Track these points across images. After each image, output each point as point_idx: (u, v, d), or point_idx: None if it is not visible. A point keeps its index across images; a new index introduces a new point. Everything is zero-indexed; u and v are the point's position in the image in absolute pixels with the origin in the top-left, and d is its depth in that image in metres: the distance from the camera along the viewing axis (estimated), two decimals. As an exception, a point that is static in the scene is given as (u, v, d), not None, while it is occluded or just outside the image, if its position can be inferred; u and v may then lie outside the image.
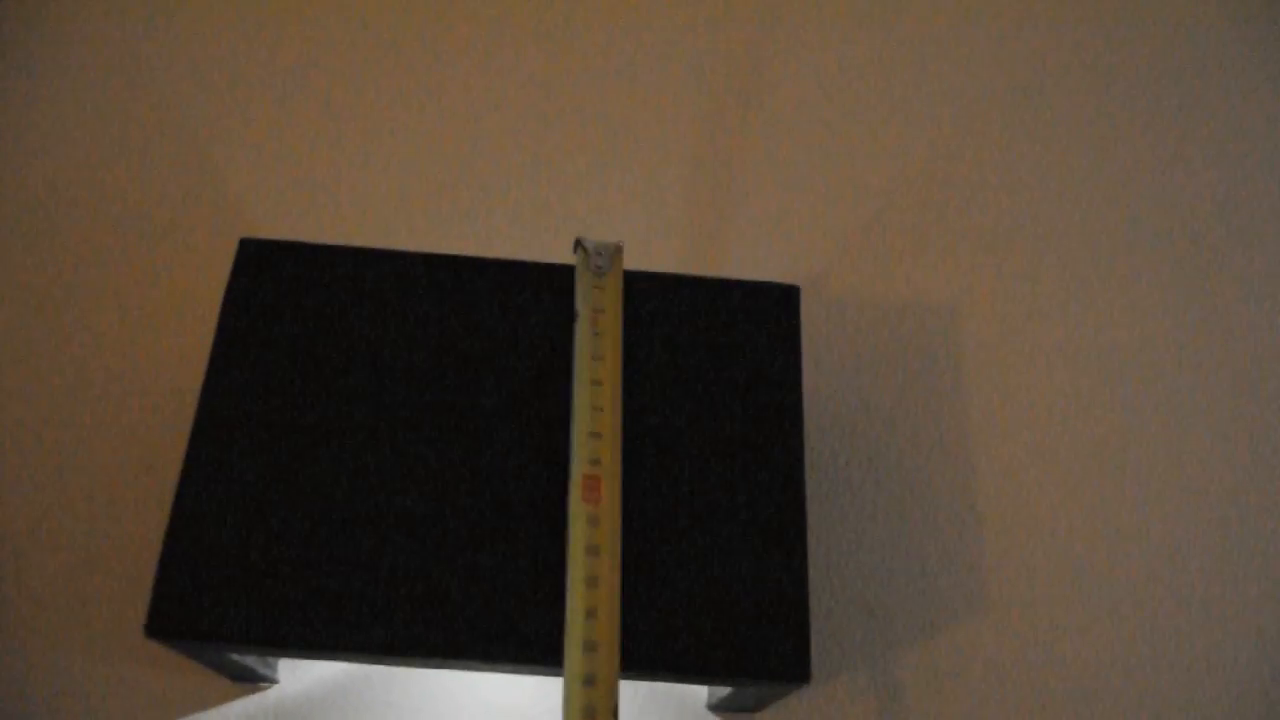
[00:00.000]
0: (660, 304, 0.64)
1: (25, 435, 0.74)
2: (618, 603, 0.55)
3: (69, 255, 0.81)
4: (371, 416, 0.59)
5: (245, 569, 0.54)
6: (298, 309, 0.62)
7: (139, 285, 0.81)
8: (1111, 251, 0.90)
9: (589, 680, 0.53)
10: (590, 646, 0.54)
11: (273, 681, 0.68)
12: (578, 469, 0.57)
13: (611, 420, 0.59)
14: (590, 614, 0.54)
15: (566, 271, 0.64)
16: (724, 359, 0.63)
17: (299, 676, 0.68)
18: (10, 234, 0.82)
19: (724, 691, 0.65)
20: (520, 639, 0.54)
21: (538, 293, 0.63)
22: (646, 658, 0.54)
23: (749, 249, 0.87)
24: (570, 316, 0.62)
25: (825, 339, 0.84)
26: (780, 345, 0.63)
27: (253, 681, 0.67)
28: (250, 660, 0.62)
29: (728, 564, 0.57)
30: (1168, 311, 0.88)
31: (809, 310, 0.84)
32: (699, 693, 0.70)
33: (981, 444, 0.80)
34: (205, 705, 0.67)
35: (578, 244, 0.64)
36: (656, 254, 0.86)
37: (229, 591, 0.54)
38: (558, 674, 0.55)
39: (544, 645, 0.54)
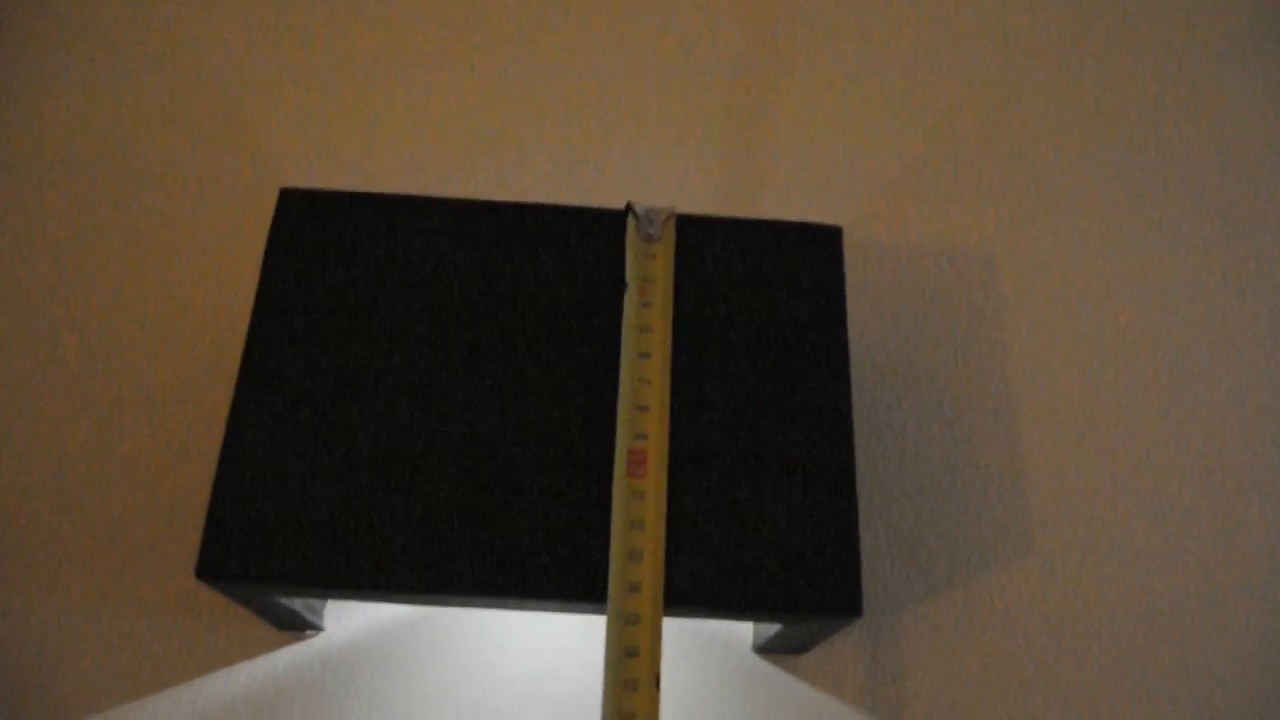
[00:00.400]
0: (699, 245, 0.63)
1: (74, 386, 0.75)
2: (662, 552, 0.54)
3: (111, 209, 0.82)
4: (416, 362, 0.58)
5: (294, 512, 0.54)
6: (339, 258, 0.61)
7: (179, 238, 0.81)
8: (1156, 198, 0.88)
9: (632, 619, 0.53)
10: (634, 587, 0.53)
11: (319, 629, 0.68)
12: (623, 443, 0.56)
13: (660, 394, 0.58)
14: (634, 556, 0.54)
15: (612, 217, 0.63)
16: (766, 300, 0.62)
17: (345, 624, 0.69)
18: (50, 189, 0.82)
19: (770, 632, 0.65)
20: (565, 576, 0.54)
21: (582, 238, 0.63)
22: (695, 594, 0.54)
23: (787, 193, 0.86)
24: (619, 284, 0.61)
25: (864, 284, 0.83)
26: (824, 287, 0.63)
27: (299, 629, 0.68)
28: (298, 605, 0.62)
29: (776, 501, 0.56)
30: (1213, 256, 0.86)
31: (848, 254, 0.83)
32: (744, 636, 0.70)
33: (1025, 390, 0.79)
34: (253, 654, 0.68)
35: (628, 209, 0.63)
36: (694, 196, 0.85)
37: (278, 534, 0.54)
38: (603, 612, 0.55)
39: (589, 582, 0.54)
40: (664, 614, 0.54)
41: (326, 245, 0.62)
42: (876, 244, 0.84)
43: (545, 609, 0.56)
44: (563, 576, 0.54)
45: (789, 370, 0.60)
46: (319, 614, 0.67)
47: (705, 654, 0.69)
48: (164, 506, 0.71)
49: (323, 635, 0.68)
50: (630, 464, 0.56)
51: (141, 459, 0.73)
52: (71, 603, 0.68)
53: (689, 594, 0.54)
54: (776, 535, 0.56)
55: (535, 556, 0.54)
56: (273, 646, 0.68)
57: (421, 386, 0.58)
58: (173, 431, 0.74)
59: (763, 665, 0.69)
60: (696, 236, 0.64)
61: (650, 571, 0.54)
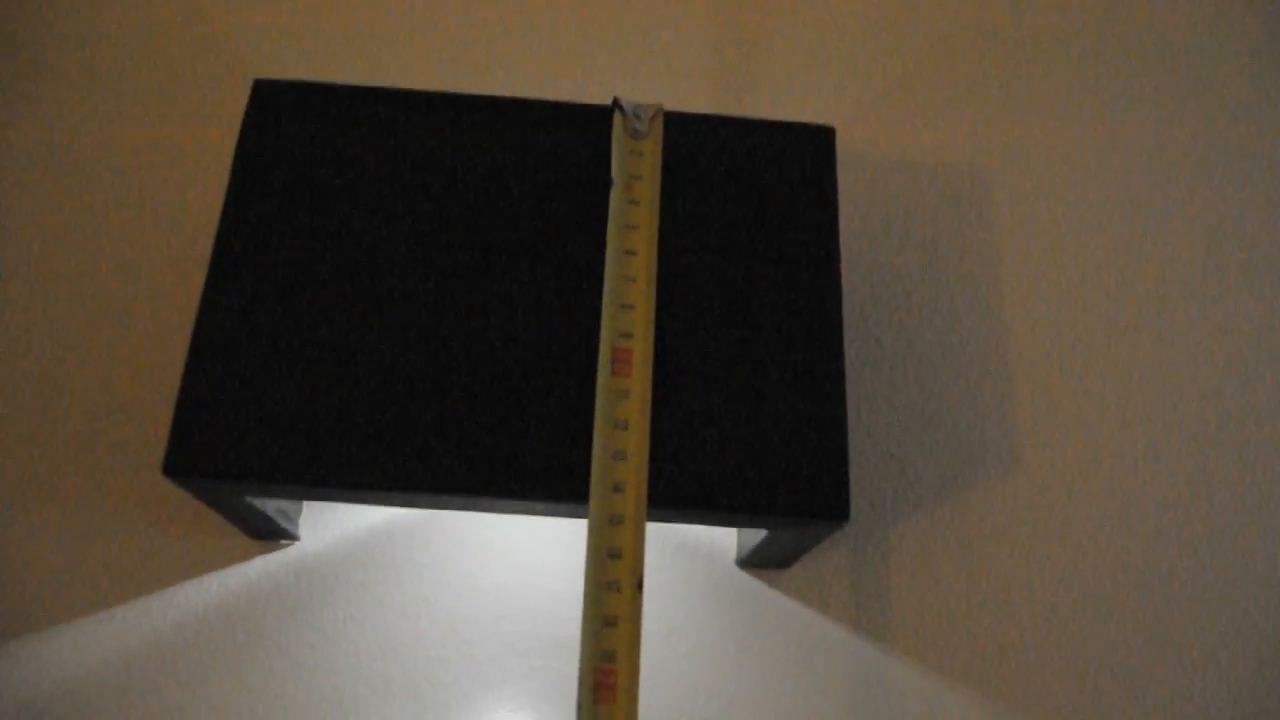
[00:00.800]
0: (687, 143, 0.61)
1: (38, 280, 0.72)
2: (646, 452, 0.53)
3: (78, 102, 0.79)
4: (394, 258, 0.56)
5: (265, 408, 0.53)
6: (315, 152, 0.59)
7: (150, 130, 0.78)
8: (1154, 112, 0.86)
9: (616, 519, 0.51)
10: (618, 487, 0.52)
11: (294, 539, 0.66)
12: (607, 342, 0.54)
13: (645, 292, 0.56)
14: (618, 456, 0.53)
15: (599, 112, 0.61)
16: (756, 201, 0.60)
17: (320, 534, 0.67)
18: (16, 91, 0.79)
19: (755, 543, 0.63)
20: (546, 475, 0.52)
21: (568, 134, 0.60)
22: (679, 495, 0.53)
23: (779, 95, 0.84)
24: (605, 182, 0.59)
25: (854, 191, 0.81)
26: (815, 188, 0.61)
27: (274, 539, 0.66)
28: (271, 510, 0.61)
29: (764, 403, 0.55)
30: (1212, 173, 0.84)
31: (840, 160, 0.81)
32: (728, 549, 0.69)
33: (1017, 304, 0.78)
34: (225, 564, 0.66)
35: (614, 104, 0.60)
36: (683, 95, 0.83)
37: (248, 430, 0.52)
38: (585, 514, 0.54)
39: (570, 482, 0.52)
40: (647, 516, 0.53)
41: (301, 139, 0.59)
42: (867, 151, 0.82)
43: (526, 511, 0.54)
44: (544, 476, 0.52)
45: (779, 272, 0.58)
46: (294, 522, 0.65)
47: (688, 565, 0.68)
48: (135, 408, 0.69)
49: (298, 545, 0.67)
50: (615, 363, 0.54)
51: (113, 358, 0.71)
52: (37, 509, 0.67)
53: (673, 495, 0.53)
54: (764, 437, 0.54)
55: (515, 455, 0.53)
56: (247, 556, 0.66)
57: (399, 283, 0.56)
58: (143, 332, 0.72)
59: (746, 579, 0.68)
60: (685, 135, 0.61)
61: (634, 471, 0.52)
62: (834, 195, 0.61)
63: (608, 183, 0.59)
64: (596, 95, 0.82)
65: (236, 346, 0.54)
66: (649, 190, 0.59)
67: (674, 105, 0.82)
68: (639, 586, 0.51)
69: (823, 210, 0.60)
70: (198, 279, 0.73)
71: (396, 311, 0.55)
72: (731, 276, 0.58)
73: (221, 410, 0.52)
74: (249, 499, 0.57)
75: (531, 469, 0.52)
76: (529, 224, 0.58)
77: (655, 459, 0.53)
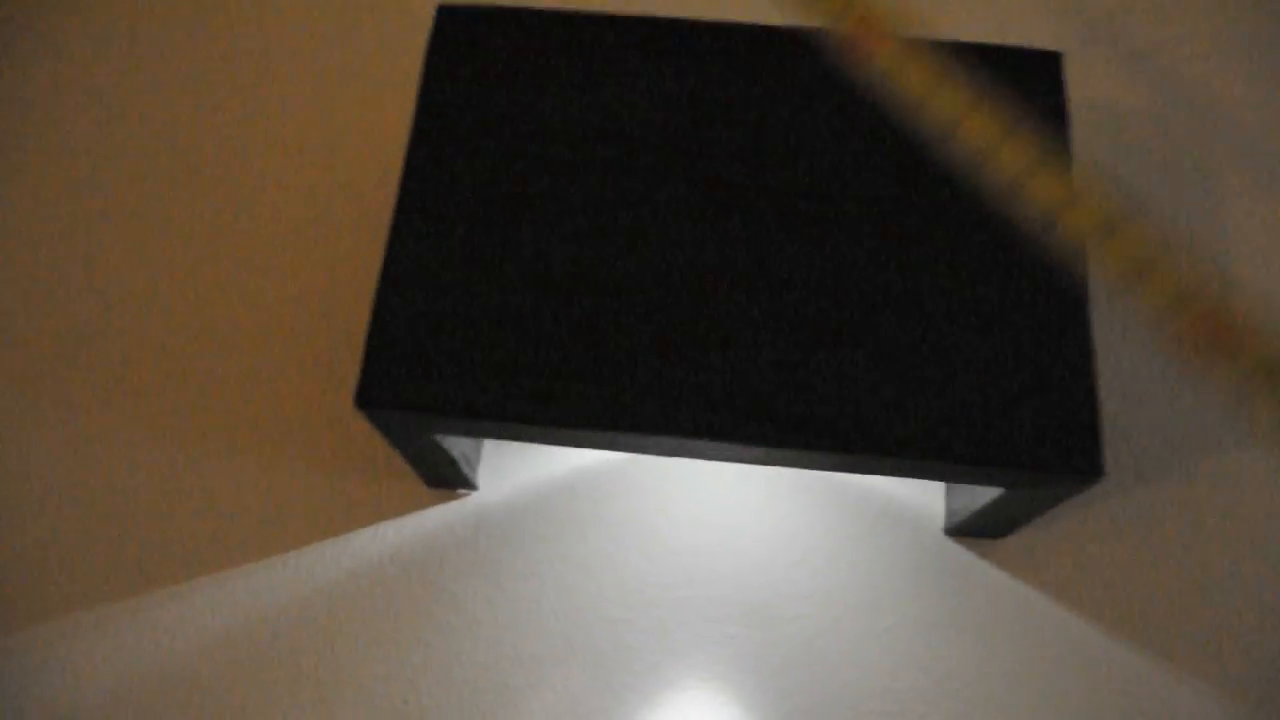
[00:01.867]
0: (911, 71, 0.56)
1: (226, 215, 0.70)
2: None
3: (259, 35, 0.77)
4: (594, 187, 0.52)
5: (458, 339, 0.49)
6: (503, 79, 0.55)
7: (333, 60, 0.76)
8: None
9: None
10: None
11: (472, 488, 0.63)
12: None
13: None
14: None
15: (790, 35, 0.56)
16: (986, 131, 0.54)
17: (499, 485, 0.64)
18: (205, 18, 0.78)
19: (967, 510, 0.58)
20: (775, 416, 0.47)
21: (765, 59, 0.55)
22: (912, 442, 0.47)
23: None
24: (823, 115, 0.54)
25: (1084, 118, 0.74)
26: (1044, 116, 0.54)
27: (451, 487, 0.63)
28: (455, 452, 0.57)
29: (1006, 348, 0.49)
30: None
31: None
32: (934, 517, 0.63)
33: (1266, 258, 0.70)
34: (401, 511, 0.63)
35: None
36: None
37: (441, 362, 0.49)
38: (810, 465, 0.49)
39: (801, 426, 0.47)
40: (878, 466, 0.48)
41: (487, 66, 0.56)
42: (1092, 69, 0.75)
43: (745, 460, 0.50)
44: (773, 416, 0.47)
45: (1012, 205, 0.52)
46: (474, 468, 0.62)
47: (892, 534, 0.62)
48: (319, 349, 0.67)
49: (475, 495, 0.63)
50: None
51: (298, 297, 0.68)
52: (214, 454, 0.65)
53: (907, 441, 0.47)
54: (1006, 384, 0.48)
55: (737, 395, 0.48)
56: (422, 505, 0.63)
57: (601, 212, 0.52)
58: (331, 269, 0.69)
59: (955, 548, 0.62)
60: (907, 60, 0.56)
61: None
62: (1065, 126, 0.54)
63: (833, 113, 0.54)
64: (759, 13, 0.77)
65: (428, 275, 0.50)
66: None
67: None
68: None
69: (1054, 140, 0.54)
70: (386, 206, 0.71)
71: (597, 243, 0.51)
72: (964, 210, 0.52)
73: (415, 340, 0.49)
74: (437, 436, 0.54)
75: (756, 410, 0.48)
76: (733, 151, 0.53)
77: (886, 404, 0.48)
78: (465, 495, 0.63)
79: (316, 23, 0.78)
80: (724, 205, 0.52)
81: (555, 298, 0.50)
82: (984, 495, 0.56)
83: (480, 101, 0.54)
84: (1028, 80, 0.55)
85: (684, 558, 0.61)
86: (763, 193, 0.52)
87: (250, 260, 0.70)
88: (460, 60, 0.56)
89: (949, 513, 0.62)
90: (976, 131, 0.54)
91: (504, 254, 0.51)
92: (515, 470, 0.64)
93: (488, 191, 0.52)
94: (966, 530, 0.61)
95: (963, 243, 0.51)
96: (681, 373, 0.48)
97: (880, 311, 0.49)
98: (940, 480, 0.50)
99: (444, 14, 0.57)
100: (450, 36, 0.56)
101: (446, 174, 0.52)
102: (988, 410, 0.48)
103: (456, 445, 0.57)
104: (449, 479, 0.61)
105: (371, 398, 0.48)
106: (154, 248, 0.70)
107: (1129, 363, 0.67)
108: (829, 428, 0.47)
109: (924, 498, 0.63)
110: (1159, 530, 0.63)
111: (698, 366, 0.48)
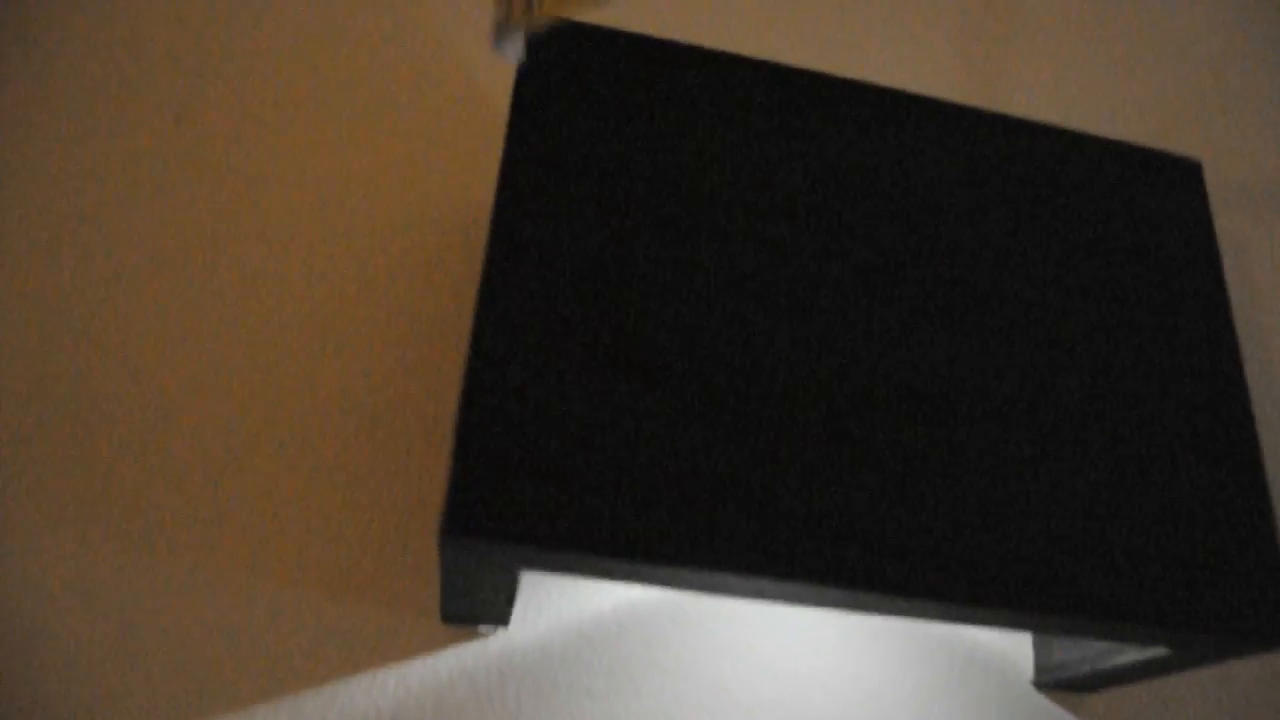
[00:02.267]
0: (1041, 159, 0.50)
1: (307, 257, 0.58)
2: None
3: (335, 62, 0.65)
4: (713, 260, 0.44)
5: (574, 456, 0.39)
6: (602, 112, 0.47)
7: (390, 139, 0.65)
8: None
9: None
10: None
11: (502, 624, 0.52)
12: None
13: None
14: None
15: (959, 113, 0.50)
16: (1128, 236, 0.49)
17: (530, 620, 0.53)
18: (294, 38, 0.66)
19: (1063, 662, 0.51)
20: (971, 572, 0.40)
21: (919, 131, 0.49)
22: (1095, 603, 0.40)
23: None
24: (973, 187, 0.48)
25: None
26: (1188, 225, 0.50)
27: (471, 623, 0.52)
28: (512, 586, 0.47)
29: (1165, 483, 0.43)
30: None
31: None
32: (1023, 667, 0.56)
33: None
34: (409, 653, 0.52)
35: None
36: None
37: (546, 480, 0.39)
38: (926, 615, 0.41)
39: (973, 579, 0.40)
40: (1030, 620, 0.41)
41: (583, 95, 0.47)
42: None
43: (849, 606, 0.42)
44: (969, 572, 0.40)
45: (1162, 318, 0.47)
46: (510, 604, 0.52)
47: (980, 685, 0.55)
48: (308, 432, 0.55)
49: (502, 633, 0.53)
50: None
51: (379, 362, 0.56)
52: (213, 577, 0.52)
53: (1067, 600, 0.40)
54: (1165, 526, 0.42)
55: (899, 541, 0.40)
56: (434, 645, 0.52)
57: (718, 293, 0.44)
58: (409, 335, 0.58)
59: (1044, 703, 0.55)
60: (1034, 147, 0.51)
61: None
62: (1211, 235, 0.50)
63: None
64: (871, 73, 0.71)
65: (518, 385, 0.41)
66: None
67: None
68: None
69: (1201, 250, 0.49)
70: (473, 261, 0.60)
71: (710, 341, 0.43)
72: (1112, 324, 0.47)
73: (509, 458, 0.39)
74: (521, 568, 0.43)
75: (928, 560, 0.40)
76: (881, 229, 0.46)
77: (1060, 561, 0.41)
78: (488, 633, 0.52)
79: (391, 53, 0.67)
80: (876, 294, 0.44)
81: (684, 399, 0.41)
82: (1099, 648, 0.49)
83: (580, 144, 0.46)
84: (1167, 185, 0.51)
85: (751, 712, 0.52)
86: (918, 284, 0.45)
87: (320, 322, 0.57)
88: (554, 95, 0.46)
89: (1037, 664, 0.55)
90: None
91: (600, 355, 0.42)
92: (549, 601, 0.53)
93: (593, 262, 0.43)
94: (1057, 683, 0.54)
95: (1142, 361, 0.45)
96: (840, 500, 0.40)
97: (1051, 439, 0.43)
98: (1095, 638, 0.43)
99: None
100: (541, 62, 0.47)
101: (542, 240, 0.43)
102: (1164, 562, 0.42)
103: (524, 575, 0.47)
104: (478, 613, 0.50)
105: (461, 525, 0.38)
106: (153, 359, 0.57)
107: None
108: (991, 577, 0.40)
109: (1008, 644, 0.56)
110: (1255, 691, 0.58)
111: (858, 494, 0.40)
